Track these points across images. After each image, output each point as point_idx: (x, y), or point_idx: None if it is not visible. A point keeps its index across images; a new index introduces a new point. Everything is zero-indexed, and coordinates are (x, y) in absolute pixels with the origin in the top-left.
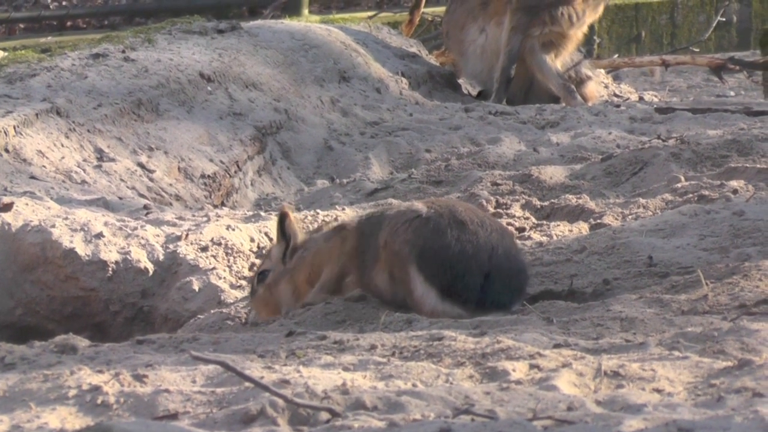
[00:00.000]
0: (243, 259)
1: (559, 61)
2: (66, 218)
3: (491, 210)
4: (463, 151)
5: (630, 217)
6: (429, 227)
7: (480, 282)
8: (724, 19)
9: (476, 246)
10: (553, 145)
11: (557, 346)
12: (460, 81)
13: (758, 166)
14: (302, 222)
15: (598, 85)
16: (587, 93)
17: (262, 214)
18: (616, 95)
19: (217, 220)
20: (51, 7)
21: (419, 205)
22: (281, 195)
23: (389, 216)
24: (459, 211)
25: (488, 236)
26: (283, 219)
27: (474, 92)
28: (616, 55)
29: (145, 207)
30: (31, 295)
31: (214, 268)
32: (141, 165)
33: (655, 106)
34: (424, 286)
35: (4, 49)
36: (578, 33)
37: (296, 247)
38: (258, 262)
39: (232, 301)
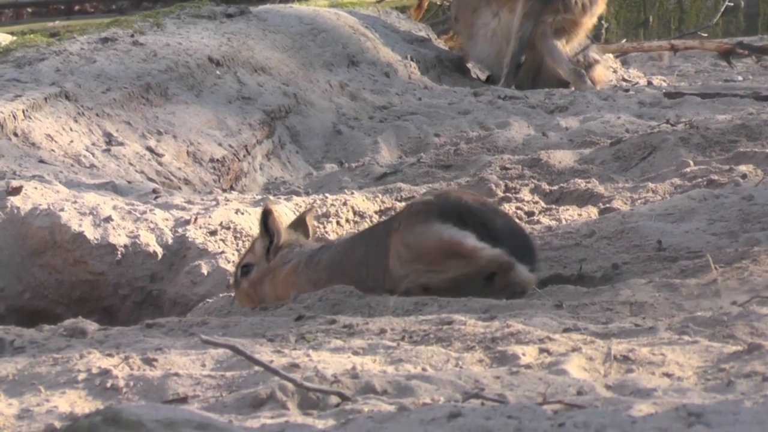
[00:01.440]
0: (254, 239)
1: (569, 48)
2: (75, 202)
3: (500, 194)
4: (472, 135)
5: (639, 201)
6: (438, 198)
7: (508, 232)
8: (731, 4)
9: (494, 206)
10: (562, 130)
11: (567, 330)
12: (469, 65)
13: (767, 150)
14: (285, 217)
15: (605, 69)
16: (595, 77)
17: (271, 198)
18: (624, 80)
19: (226, 204)
20: None
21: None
22: (290, 179)
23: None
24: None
25: (498, 208)
26: (266, 216)
27: (483, 77)
28: (625, 40)
29: (154, 191)
30: (39, 279)
31: (222, 252)
32: (150, 149)
33: (663, 90)
34: (458, 232)
35: (12, 33)
36: (590, 21)
37: (279, 245)
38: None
39: None
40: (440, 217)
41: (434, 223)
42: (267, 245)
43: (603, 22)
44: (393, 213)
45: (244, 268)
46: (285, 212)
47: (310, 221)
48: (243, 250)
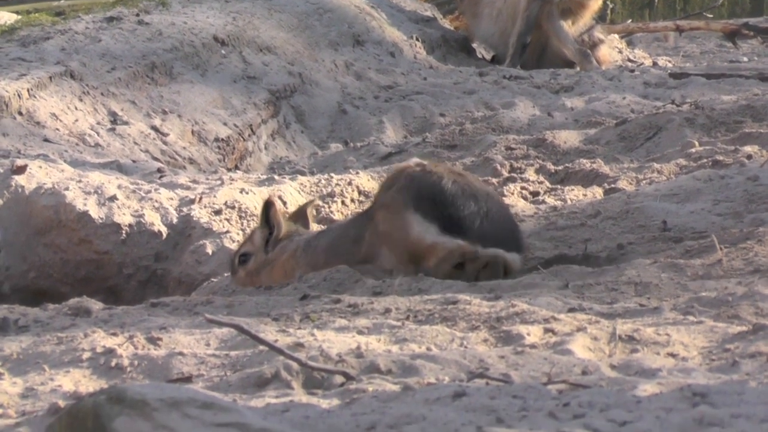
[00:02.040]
0: (256, 223)
1: (574, 29)
2: (79, 181)
3: (505, 174)
4: (478, 115)
5: (644, 181)
6: (422, 174)
7: (479, 218)
8: None
9: (473, 188)
10: (568, 110)
11: (572, 310)
12: (474, 45)
13: None
14: (285, 211)
15: (610, 49)
16: (600, 56)
17: (276, 177)
18: (630, 60)
19: (231, 184)
20: None
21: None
22: (295, 159)
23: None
24: (450, 168)
25: (482, 185)
26: (268, 207)
27: (488, 56)
28: (630, 21)
29: (159, 170)
30: (44, 258)
31: (227, 232)
32: (155, 128)
33: (669, 71)
34: (423, 224)
35: (17, 12)
36: (596, 3)
37: (279, 237)
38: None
39: None
40: (412, 205)
41: (406, 212)
42: (266, 236)
43: (609, 2)
44: None
45: (242, 257)
46: (290, 192)
47: (311, 213)
48: (248, 230)
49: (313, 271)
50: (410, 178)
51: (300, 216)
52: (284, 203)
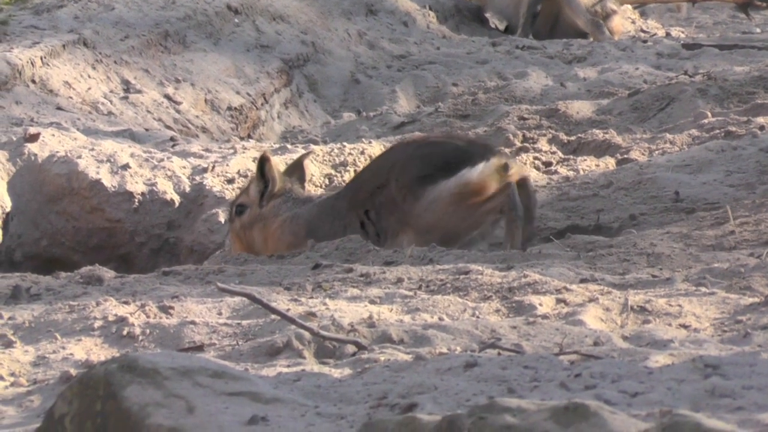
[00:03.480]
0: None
1: (586, 1)
2: (92, 149)
3: (518, 144)
4: (490, 85)
5: (657, 152)
6: (418, 160)
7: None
8: None
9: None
10: (580, 80)
11: (584, 280)
12: (488, 15)
13: None
14: (280, 166)
15: (623, 19)
16: (613, 27)
17: (289, 146)
18: (642, 31)
19: (244, 152)
20: None
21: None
22: (307, 128)
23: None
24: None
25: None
26: (263, 162)
27: (501, 27)
28: None
29: (172, 138)
30: (56, 226)
31: None
32: (168, 97)
33: (681, 42)
34: (450, 181)
35: None
36: None
37: (274, 193)
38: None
39: None
40: (431, 180)
41: (433, 189)
42: (261, 190)
43: None
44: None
45: (238, 207)
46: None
47: (307, 165)
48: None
49: (296, 239)
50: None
51: (296, 168)
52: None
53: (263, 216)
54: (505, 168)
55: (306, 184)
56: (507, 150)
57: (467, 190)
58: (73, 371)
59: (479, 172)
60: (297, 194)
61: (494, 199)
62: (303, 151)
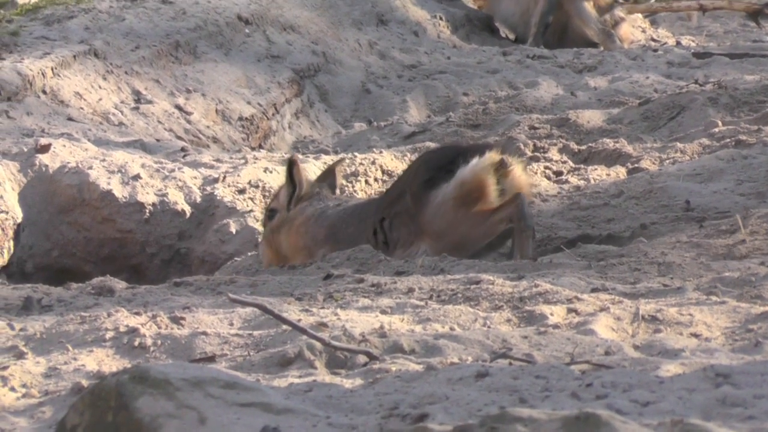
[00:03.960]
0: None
1: (596, 9)
2: (103, 160)
3: (529, 153)
4: (501, 94)
5: (667, 161)
6: (423, 169)
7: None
8: None
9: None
10: (591, 89)
11: (595, 290)
12: (498, 25)
13: None
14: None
15: (631, 27)
16: (622, 34)
17: (300, 156)
18: (653, 40)
19: (255, 163)
20: None
21: None
22: (319, 138)
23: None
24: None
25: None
26: (291, 165)
27: (512, 36)
28: (653, 0)
29: (183, 149)
30: (67, 236)
31: (251, 211)
32: (178, 107)
33: (692, 50)
34: (450, 182)
35: None
36: None
37: (301, 196)
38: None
39: None
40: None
41: (436, 193)
42: (290, 194)
43: None
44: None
45: (269, 212)
46: (314, 171)
47: (340, 172)
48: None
49: (313, 243)
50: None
51: (328, 175)
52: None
53: (290, 218)
54: (502, 164)
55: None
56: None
57: (465, 189)
58: (84, 382)
59: (471, 168)
60: (326, 197)
61: (504, 209)
62: (314, 161)
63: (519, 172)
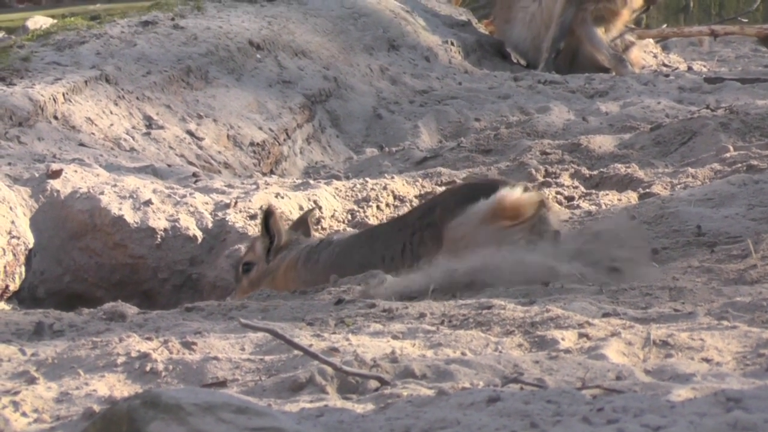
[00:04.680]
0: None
1: (607, 36)
2: (115, 185)
3: (540, 179)
4: (512, 119)
5: (679, 186)
6: (464, 188)
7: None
8: None
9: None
10: (602, 115)
11: (606, 315)
12: (509, 50)
13: None
14: (285, 220)
15: (641, 51)
16: (632, 58)
17: (311, 182)
18: (665, 65)
19: (266, 188)
20: None
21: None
22: (330, 163)
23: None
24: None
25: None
26: (268, 216)
27: (523, 62)
28: (665, 25)
29: (194, 174)
30: (79, 262)
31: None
32: (190, 132)
33: (704, 76)
34: (484, 203)
35: (52, 17)
36: (627, 13)
37: (280, 246)
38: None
39: None
40: (471, 201)
41: (471, 207)
42: (267, 246)
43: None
44: (402, 213)
45: (245, 266)
46: (325, 197)
47: (311, 222)
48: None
49: (305, 286)
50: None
51: (301, 224)
52: (320, 208)
53: (270, 270)
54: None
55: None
56: (529, 185)
57: (500, 209)
58: (96, 407)
59: (515, 194)
60: (304, 241)
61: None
62: (326, 187)
63: (554, 214)
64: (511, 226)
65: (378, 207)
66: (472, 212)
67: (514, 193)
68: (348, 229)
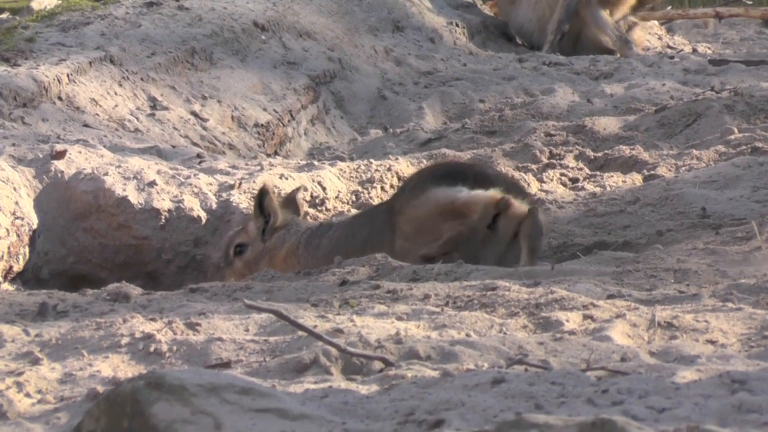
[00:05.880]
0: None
1: (612, 18)
2: (119, 166)
3: (545, 160)
4: (517, 101)
5: (683, 168)
6: (433, 166)
7: (499, 177)
8: None
9: (484, 164)
10: (607, 96)
11: (611, 296)
12: (514, 31)
13: None
14: (278, 198)
15: (644, 31)
16: (635, 39)
17: (316, 163)
18: (669, 47)
19: (270, 169)
20: None
21: None
22: (334, 144)
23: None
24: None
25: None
26: (263, 196)
27: (528, 43)
28: (670, 7)
29: (198, 155)
30: (83, 243)
31: None
32: (194, 113)
33: (708, 58)
34: (450, 190)
35: None
36: None
37: (276, 226)
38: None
39: None
40: (433, 182)
41: (429, 190)
42: (262, 226)
43: None
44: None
45: (237, 247)
46: (330, 178)
47: (300, 200)
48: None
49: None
50: (419, 173)
51: (290, 203)
52: (323, 189)
53: (268, 249)
54: (502, 202)
55: (301, 217)
56: (534, 166)
57: (452, 207)
58: (100, 388)
59: (470, 195)
60: (301, 222)
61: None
62: (330, 168)
63: (519, 208)
64: (458, 223)
65: (382, 188)
66: (431, 197)
67: (464, 195)
68: (353, 210)
